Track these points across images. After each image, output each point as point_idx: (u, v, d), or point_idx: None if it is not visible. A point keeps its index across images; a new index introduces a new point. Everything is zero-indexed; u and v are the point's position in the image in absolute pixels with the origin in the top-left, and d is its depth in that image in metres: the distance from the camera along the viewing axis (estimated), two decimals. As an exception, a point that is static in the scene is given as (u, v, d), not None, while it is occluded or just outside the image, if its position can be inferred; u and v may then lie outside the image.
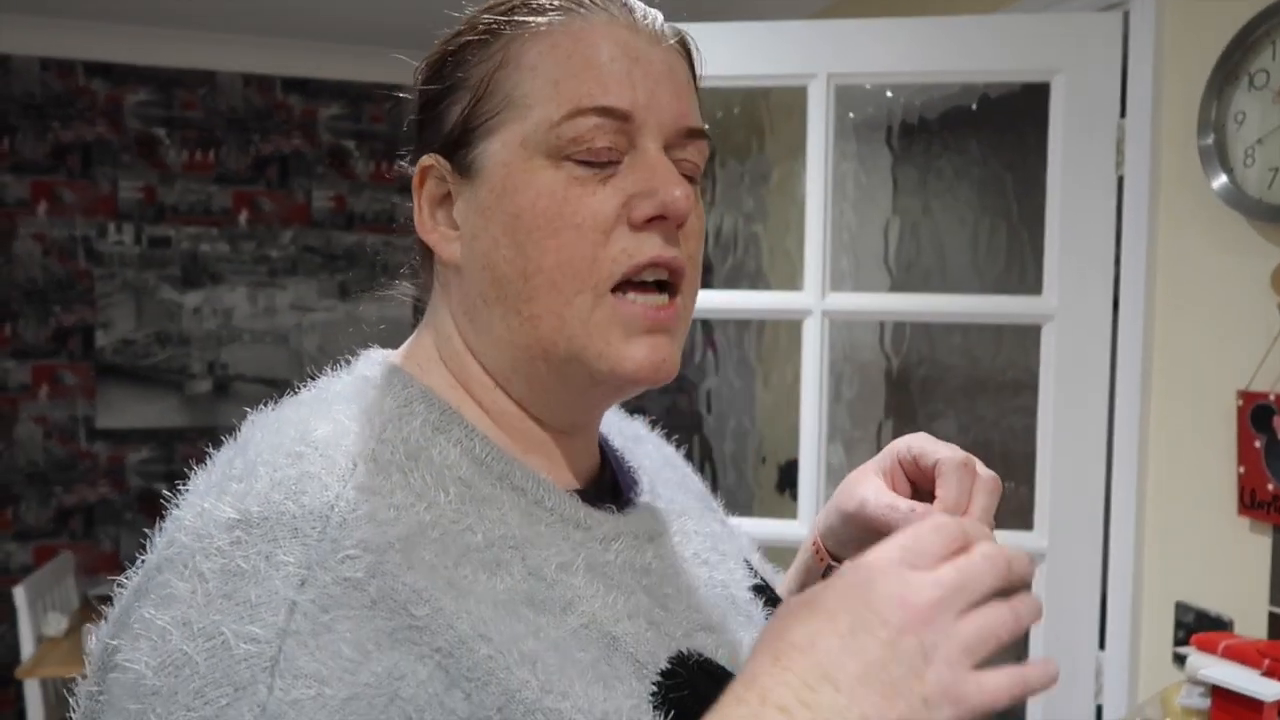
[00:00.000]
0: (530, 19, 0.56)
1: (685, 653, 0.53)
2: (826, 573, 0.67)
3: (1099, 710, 1.50)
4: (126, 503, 3.30)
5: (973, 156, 1.87)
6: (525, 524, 0.54)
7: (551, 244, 0.53)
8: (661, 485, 0.66)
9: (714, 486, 0.77)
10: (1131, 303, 1.46)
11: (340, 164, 3.64)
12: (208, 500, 0.50)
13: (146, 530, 0.53)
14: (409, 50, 0.70)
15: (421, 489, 0.51)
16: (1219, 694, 0.71)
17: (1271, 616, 1.25)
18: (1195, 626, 1.32)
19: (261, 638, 0.44)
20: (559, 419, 0.59)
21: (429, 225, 0.58)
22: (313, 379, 0.60)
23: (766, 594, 0.64)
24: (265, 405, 0.58)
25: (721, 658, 0.55)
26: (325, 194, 3.63)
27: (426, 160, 0.57)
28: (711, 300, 1.68)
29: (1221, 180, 1.28)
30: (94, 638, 0.51)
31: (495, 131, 0.55)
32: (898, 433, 2.14)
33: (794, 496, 1.62)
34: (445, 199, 0.57)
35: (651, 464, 0.69)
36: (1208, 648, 1.09)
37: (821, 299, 1.57)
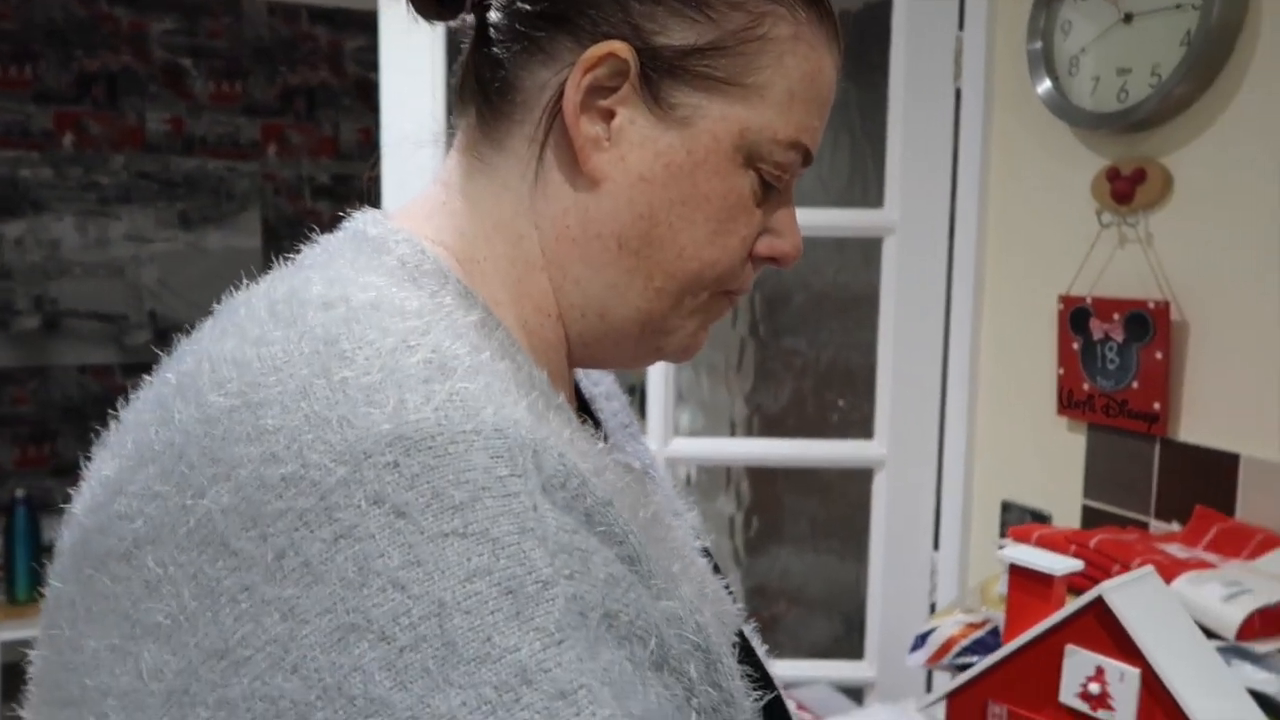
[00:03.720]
0: (798, 3, 0.52)
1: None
2: None
3: (933, 606, 1.57)
4: (-53, 449, 3.05)
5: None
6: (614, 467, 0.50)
7: (719, 241, 0.52)
8: (622, 437, 0.65)
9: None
10: (966, 214, 1.49)
11: (175, 83, 3.38)
12: (324, 412, 0.40)
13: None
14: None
15: (555, 415, 0.47)
16: (1016, 574, 0.73)
17: (1085, 509, 1.32)
18: (1018, 523, 1.39)
19: (542, 577, 0.38)
20: (592, 363, 0.57)
21: (579, 116, 0.50)
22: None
23: (710, 558, 0.64)
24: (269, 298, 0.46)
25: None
26: (160, 115, 3.38)
27: (624, 51, 0.49)
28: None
29: (1046, 86, 1.31)
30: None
31: (720, 97, 0.51)
32: (757, 354, 2.18)
33: (643, 413, 1.61)
34: (604, 94, 0.50)
35: (609, 407, 0.67)
36: (1023, 539, 1.14)
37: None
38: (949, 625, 1.16)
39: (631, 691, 0.39)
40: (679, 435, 1.65)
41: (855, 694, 1.64)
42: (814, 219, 1.61)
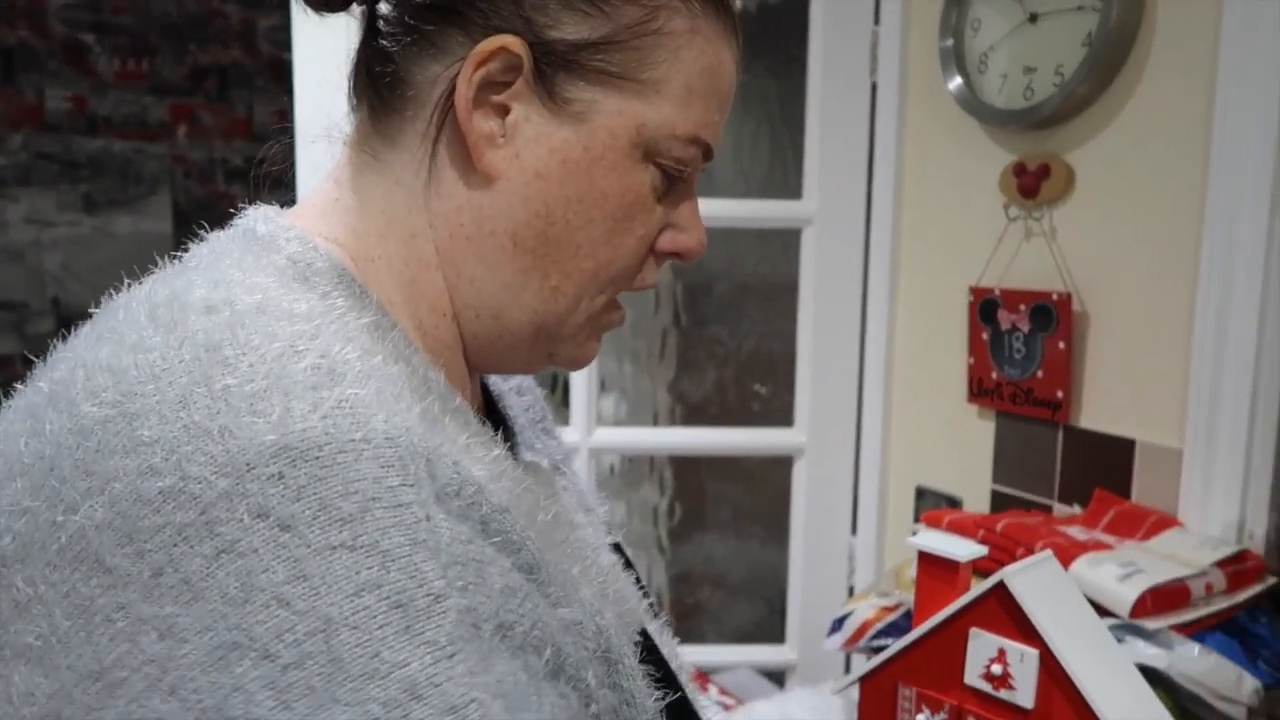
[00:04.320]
0: None
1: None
2: None
3: (851, 590, 1.61)
4: None
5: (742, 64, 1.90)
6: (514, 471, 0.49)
7: (615, 240, 0.52)
8: (532, 435, 0.64)
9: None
10: (882, 206, 1.53)
11: (78, 60, 3.24)
12: (205, 423, 0.38)
13: None
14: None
15: (450, 419, 0.46)
16: (924, 560, 0.76)
17: (994, 493, 1.37)
18: (932, 508, 1.43)
19: (433, 590, 0.37)
20: (485, 367, 0.56)
21: (472, 112, 0.49)
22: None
23: (622, 554, 0.64)
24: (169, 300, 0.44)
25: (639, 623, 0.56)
26: (60, 93, 3.23)
27: (516, 46, 0.48)
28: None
29: (957, 82, 1.35)
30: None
31: (616, 92, 0.50)
32: (680, 344, 2.19)
33: (566, 402, 1.62)
34: (498, 90, 0.49)
35: (518, 404, 0.66)
36: (934, 524, 1.18)
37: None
38: (864, 609, 1.20)
39: (526, 703, 0.39)
40: (602, 425, 1.66)
41: (777, 677, 1.67)
42: (734, 210, 1.63)
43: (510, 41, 0.48)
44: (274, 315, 0.43)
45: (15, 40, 3.15)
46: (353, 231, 0.51)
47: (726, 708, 1.36)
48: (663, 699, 0.50)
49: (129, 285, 0.47)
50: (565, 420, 1.61)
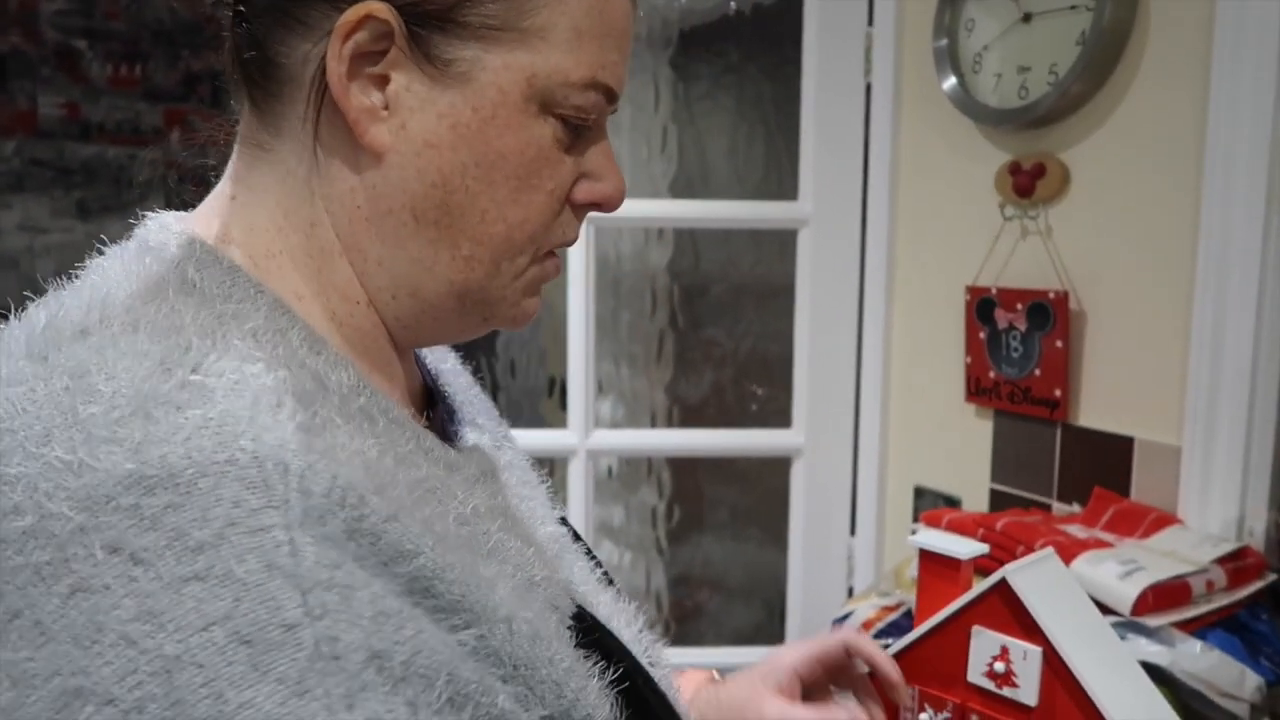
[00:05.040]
0: None
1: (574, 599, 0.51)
2: None
3: (850, 590, 1.61)
4: None
5: (733, 64, 1.90)
6: (426, 464, 0.47)
7: (524, 199, 0.49)
8: (474, 410, 0.62)
9: (501, 403, 0.74)
10: (878, 207, 1.53)
11: (70, 67, 3.24)
12: (65, 456, 0.37)
13: None
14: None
15: (346, 423, 0.43)
16: (926, 558, 0.75)
17: (992, 492, 1.37)
18: (931, 508, 1.43)
19: (287, 620, 0.35)
20: (418, 342, 0.54)
21: (347, 87, 0.46)
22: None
23: (569, 527, 0.62)
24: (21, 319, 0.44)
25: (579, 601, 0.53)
26: (53, 100, 3.23)
27: (382, 11, 0.45)
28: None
29: (951, 82, 1.35)
30: None
31: (499, 46, 0.47)
32: (677, 345, 2.19)
33: (564, 405, 1.61)
34: (373, 60, 0.46)
35: (458, 383, 0.65)
36: (934, 523, 1.18)
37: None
38: (865, 609, 1.20)
39: None
40: (599, 427, 1.65)
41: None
42: (731, 212, 1.63)
43: (375, 7, 0.45)
44: (147, 333, 0.41)
45: (7, 47, 3.14)
46: (250, 229, 0.49)
47: None
48: (614, 677, 0.47)
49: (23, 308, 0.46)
50: (563, 423, 1.61)
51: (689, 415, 2.03)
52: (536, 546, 0.51)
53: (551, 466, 2.10)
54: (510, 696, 0.41)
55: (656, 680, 0.54)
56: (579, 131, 0.51)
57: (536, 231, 0.51)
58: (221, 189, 0.52)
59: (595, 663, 0.47)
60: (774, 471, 1.69)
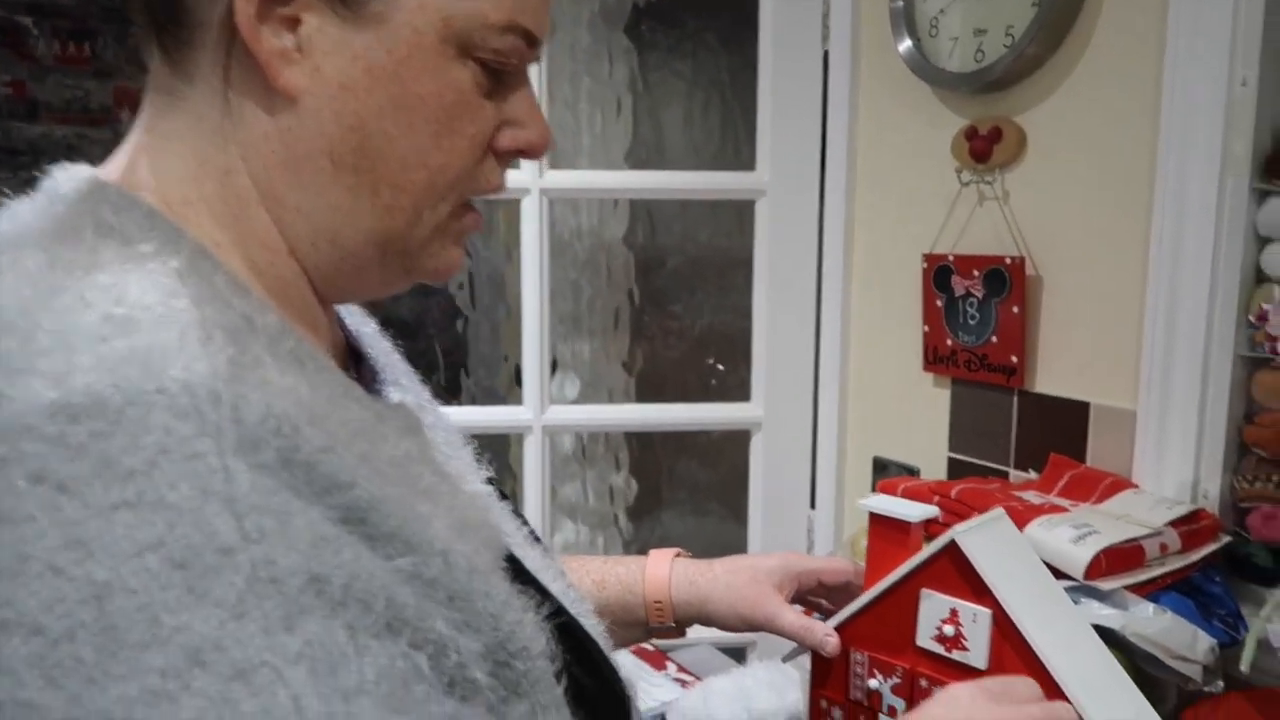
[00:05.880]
0: None
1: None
2: (655, 629, 0.83)
3: (810, 565, 1.60)
4: None
5: (689, 33, 1.87)
6: (357, 409, 0.46)
7: (445, 144, 0.48)
8: (396, 372, 0.62)
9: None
10: (836, 175, 1.51)
11: (16, 44, 3.14)
12: None
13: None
14: None
15: (276, 361, 0.42)
16: (875, 522, 0.74)
17: (950, 461, 1.36)
18: (889, 477, 1.42)
19: (223, 544, 0.34)
20: (341, 295, 0.52)
21: (258, 29, 0.44)
22: None
23: (496, 487, 0.62)
24: None
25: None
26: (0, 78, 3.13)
27: None
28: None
29: (907, 45, 1.33)
30: None
31: None
32: (634, 318, 2.16)
33: (519, 381, 1.58)
34: (284, 2, 0.45)
35: (380, 346, 0.64)
36: (889, 492, 1.16)
37: (539, 177, 1.51)
38: (821, 580, 1.18)
39: (344, 663, 0.36)
40: (556, 403, 1.63)
41: (737, 654, 1.66)
42: (687, 182, 1.61)
43: None
44: (62, 269, 0.40)
45: (-52, 23, 3.04)
46: (164, 177, 0.48)
47: (685, 685, 1.34)
48: (549, 613, 0.47)
49: None
50: (519, 400, 1.58)
51: (648, 390, 2.00)
52: (467, 496, 0.51)
53: (507, 443, 2.08)
54: (448, 623, 0.41)
55: (587, 628, 0.54)
56: (500, 77, 0.50)
57: (458, 178, 0.50)
58: (133, 138, 0.50)
59: (530, 599, 0.47)
60: (733, 445, 1.68)
